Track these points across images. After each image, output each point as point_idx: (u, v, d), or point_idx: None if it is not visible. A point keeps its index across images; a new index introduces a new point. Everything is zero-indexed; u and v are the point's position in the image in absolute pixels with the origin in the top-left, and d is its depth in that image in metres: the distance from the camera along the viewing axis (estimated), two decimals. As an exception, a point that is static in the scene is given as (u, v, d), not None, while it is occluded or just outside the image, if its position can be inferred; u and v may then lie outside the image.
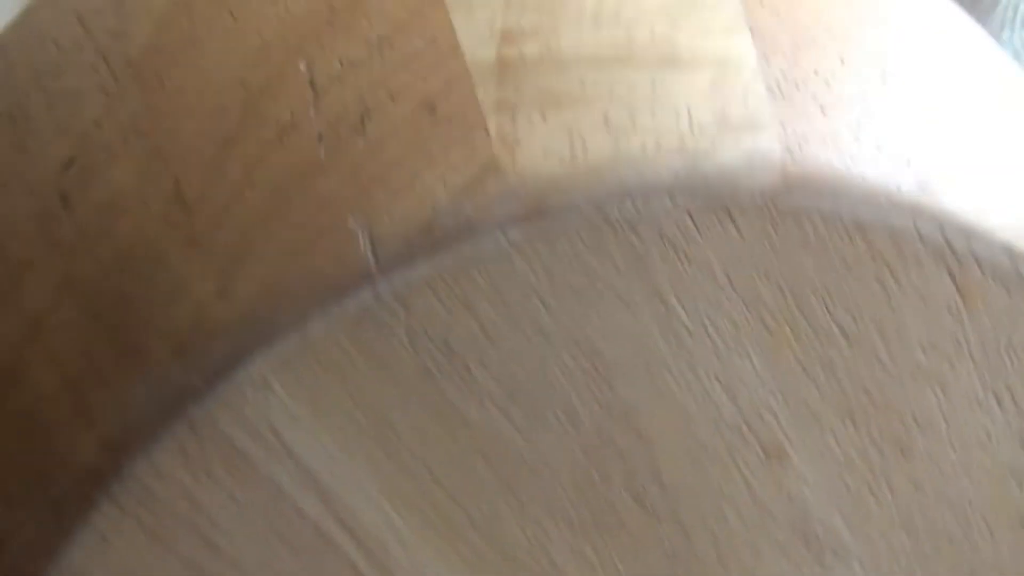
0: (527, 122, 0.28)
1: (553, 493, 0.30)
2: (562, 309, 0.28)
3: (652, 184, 0.28)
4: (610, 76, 0.28)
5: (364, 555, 0.29)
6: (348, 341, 0.27)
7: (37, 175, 0.30)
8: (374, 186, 0.27)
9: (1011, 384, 0.31)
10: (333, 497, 0.28)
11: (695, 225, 0.28)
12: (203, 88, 0.29)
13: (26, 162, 0.31)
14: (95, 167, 0.29)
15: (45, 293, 0.29)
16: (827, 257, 0.29)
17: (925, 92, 0.31)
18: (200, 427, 0.27)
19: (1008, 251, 0.30)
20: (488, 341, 0.28)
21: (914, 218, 0.29)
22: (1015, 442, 0.32)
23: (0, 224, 0.30)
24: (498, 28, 0.29)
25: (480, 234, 0.27)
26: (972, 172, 0.31)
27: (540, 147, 0.28)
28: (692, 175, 0.28)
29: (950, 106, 0.31)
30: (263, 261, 0.27)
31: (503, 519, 0.29)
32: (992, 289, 0.30)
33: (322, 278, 0.27)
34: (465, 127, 0.28)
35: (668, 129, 0.28)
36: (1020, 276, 0.30)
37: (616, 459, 0.30)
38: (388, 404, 0.28)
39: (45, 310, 0.29)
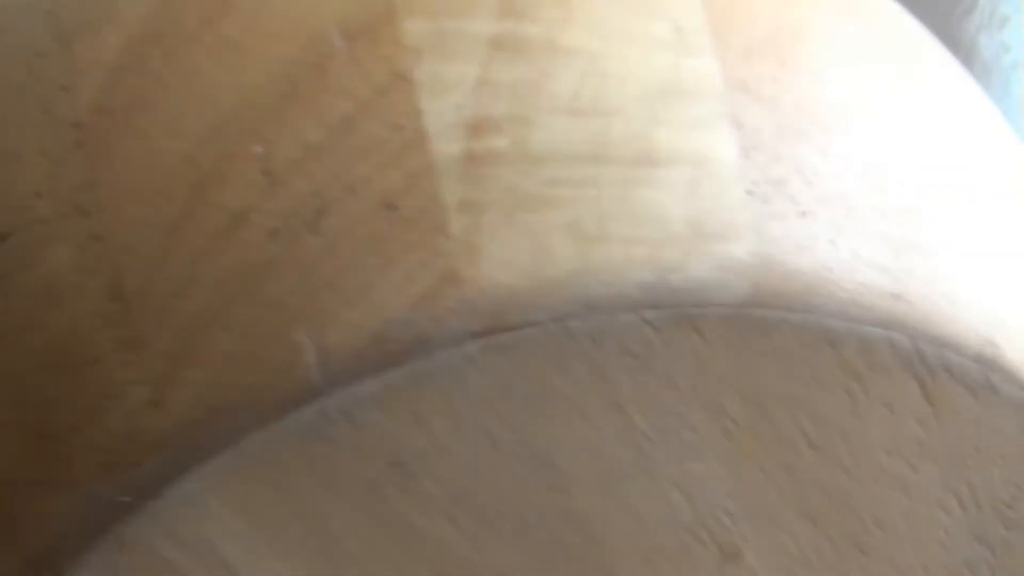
0: (491, 226, 0.26)
1: (501, 600, 0.29)
2: (518, 422, 0.27)
3: (618, 299, 0.26)
4: (582, 175, 0.27)
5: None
6: (290, 457, 0.26)
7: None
8: (325, 292, 0.26)
9: (971, 483, 0.31)
10: (272, 606, 0.27)
11: (660, 338, 0.27)
12: (151, 164, 0.27)
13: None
14: (32, 246, 0.27)
15: (-32, 380, 0.27)
16: (795, 368, 0.28)
17: (907, 184, 0.30)
18: (130, 544, 0.25)
19: (979, 358, 0.29)
20: (439, 454, 0.27)
21: (887, 328, 0.28)
22: (970, 537, 0.32)
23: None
24: (468, 116, 0.27)
25: (434, 349, 0.26)
26: (950, 268, 0.29)
27: (503, 256, 0.26)
28: (660, 288, 0.26)
29: (933, 196, 0.30)
30: (202, 369, 0.26)
31: (449, 626, 0.28)
32: (961, 395, 0.29)
33: (264, 391, 0.25)
34: (426, 229, 0.26)
35: (639, 238, 0.26)
36: (989, 383, 0.29)
37: (569, 564, 0.29)
38: (331, 516, 0.27)
39: (-33, 400, 0.27)
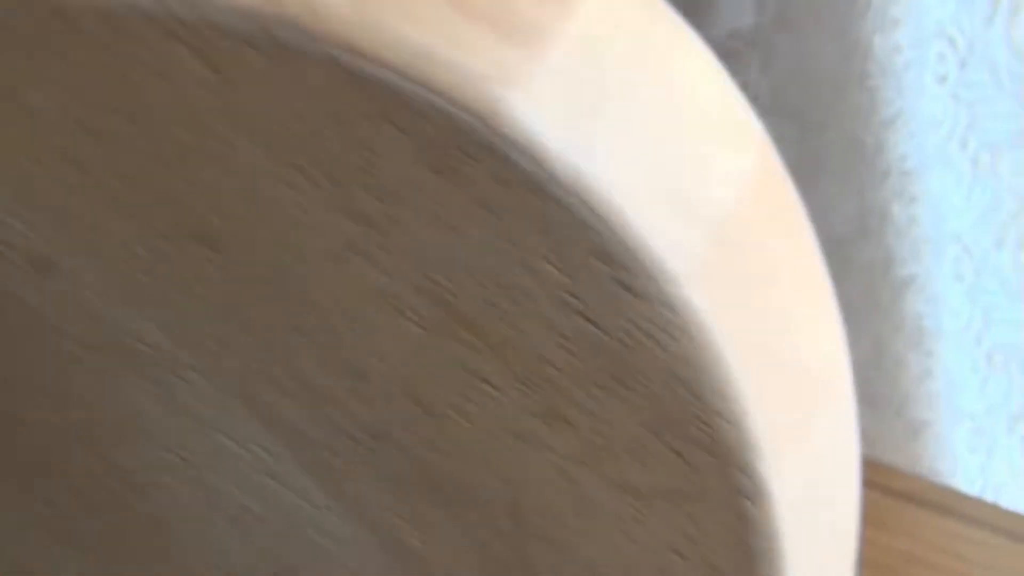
0: None
1: None
2: None
3: None
4: None
5: None
6: None
7: None
8: None
9: (308, 152, 0.28)
10: None
11: None
12: None
13: None
14: None
15: None
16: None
17: None
18: None
19: (253, 14, 0.27)
20: None
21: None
22: (340, 215, 0.30)
23: None
24: None
25: None
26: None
27: None
28: None
29: None
30: None
31: None
32: (246, 55, 0.27)
33: None
34: None
35: None
36: (275, 40, 0.27)
37: None
38: None
39: None
